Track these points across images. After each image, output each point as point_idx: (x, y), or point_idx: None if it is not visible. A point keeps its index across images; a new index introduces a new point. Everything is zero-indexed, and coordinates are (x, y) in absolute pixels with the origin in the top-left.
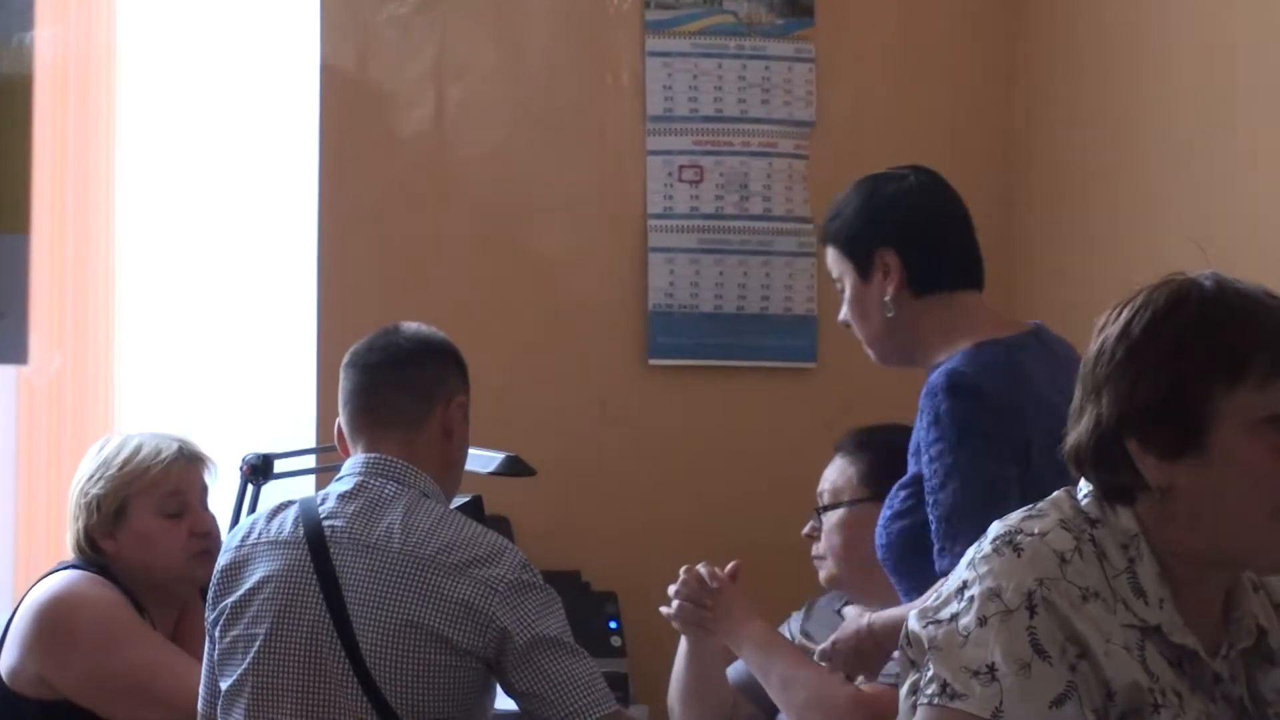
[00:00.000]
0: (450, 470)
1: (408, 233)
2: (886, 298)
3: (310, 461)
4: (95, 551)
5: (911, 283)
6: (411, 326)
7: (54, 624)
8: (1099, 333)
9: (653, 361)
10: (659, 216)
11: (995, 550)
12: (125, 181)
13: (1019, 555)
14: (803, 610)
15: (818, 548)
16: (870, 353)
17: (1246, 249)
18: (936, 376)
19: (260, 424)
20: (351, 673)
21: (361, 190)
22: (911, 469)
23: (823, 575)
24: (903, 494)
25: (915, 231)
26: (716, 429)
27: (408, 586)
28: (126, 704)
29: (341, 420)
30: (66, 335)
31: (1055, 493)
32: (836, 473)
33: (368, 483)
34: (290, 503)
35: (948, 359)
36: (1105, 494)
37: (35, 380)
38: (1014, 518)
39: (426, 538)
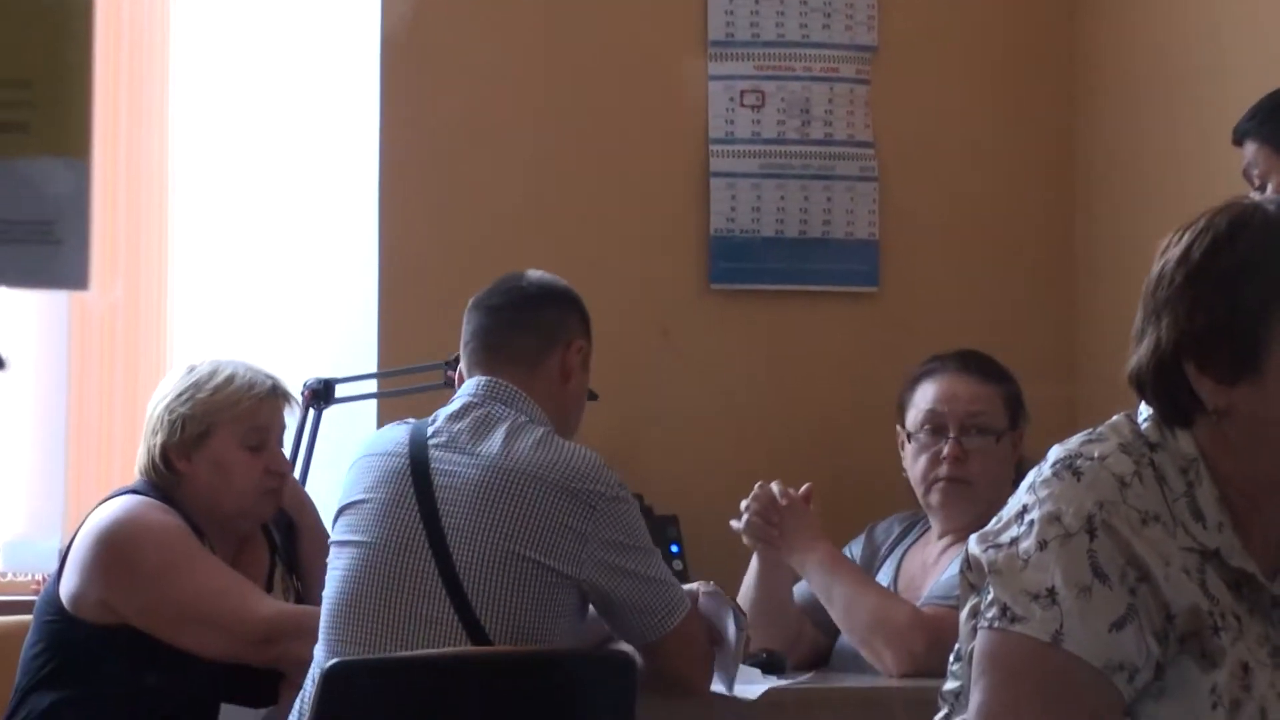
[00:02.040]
0: (563, 413)
1: (468, 157)
2: None
3: (372, 386)
4: (168, 469)
5: None
6: (535, 273)
7: (117, 550)
8: (1160, 256)
9: (715, 286)
10: (720, 142)
11: (1055, 474)
12: (179, 107)
13: (1079, 479)
14: (863, 536)
15: (959, 470)
16: None
17: None
18: None
19: (321, 349)
20: (443, 589)
21: (423, 117)
22: None
23: (947, 499)
24: None
25: None
26: (778, 353)
27: (505, 505)
28: (189, 630)
29: (461, 361)
30: (120, 263)
31: (1115, 417)
32: (988, 400)
33: (477, 404)
34: (406, 421)
35: None
36: (1164, 417)
37: (92, 308)
38: (1073, 442)
39: (523, 456)
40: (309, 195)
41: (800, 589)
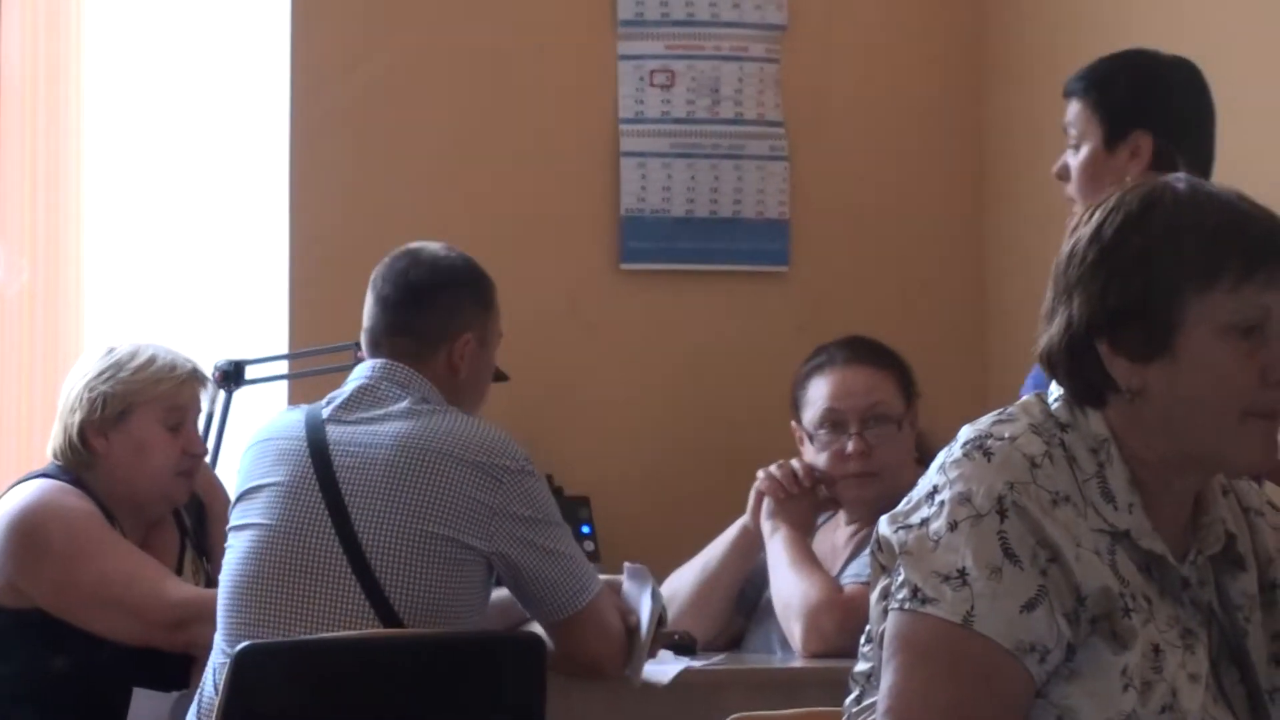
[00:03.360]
0: (457, 398)
1: (379, 136)
2: (1129, 179)
3: (283, 367)
4: (84, 448)
5: (1155, 169)
6: (429, 254)
7: (26, 534)
8: (1071, 234)
9: (625, 266)
10: (630, 121)
11: (965, 455)
12: (91, 88)
13: (989, 460)
14: None
15: (866, 464)
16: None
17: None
18: None
19: (232, 330)
20: (350, 570)
21: (333, 94)
22: None
23: (863, 494)
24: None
25: (1181, 128)
26: (689, 333)
27: (411, 482)
28: (98, 613)
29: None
30: (37, 248)
31: (1025, 397)
32: (884, 388)
33: (372, 385)
34: (300, 406)
35: None
36: (1075, 397)
37: (3, 292)
38: (984, 422)
39: (428, 433)
40: (220, 176)
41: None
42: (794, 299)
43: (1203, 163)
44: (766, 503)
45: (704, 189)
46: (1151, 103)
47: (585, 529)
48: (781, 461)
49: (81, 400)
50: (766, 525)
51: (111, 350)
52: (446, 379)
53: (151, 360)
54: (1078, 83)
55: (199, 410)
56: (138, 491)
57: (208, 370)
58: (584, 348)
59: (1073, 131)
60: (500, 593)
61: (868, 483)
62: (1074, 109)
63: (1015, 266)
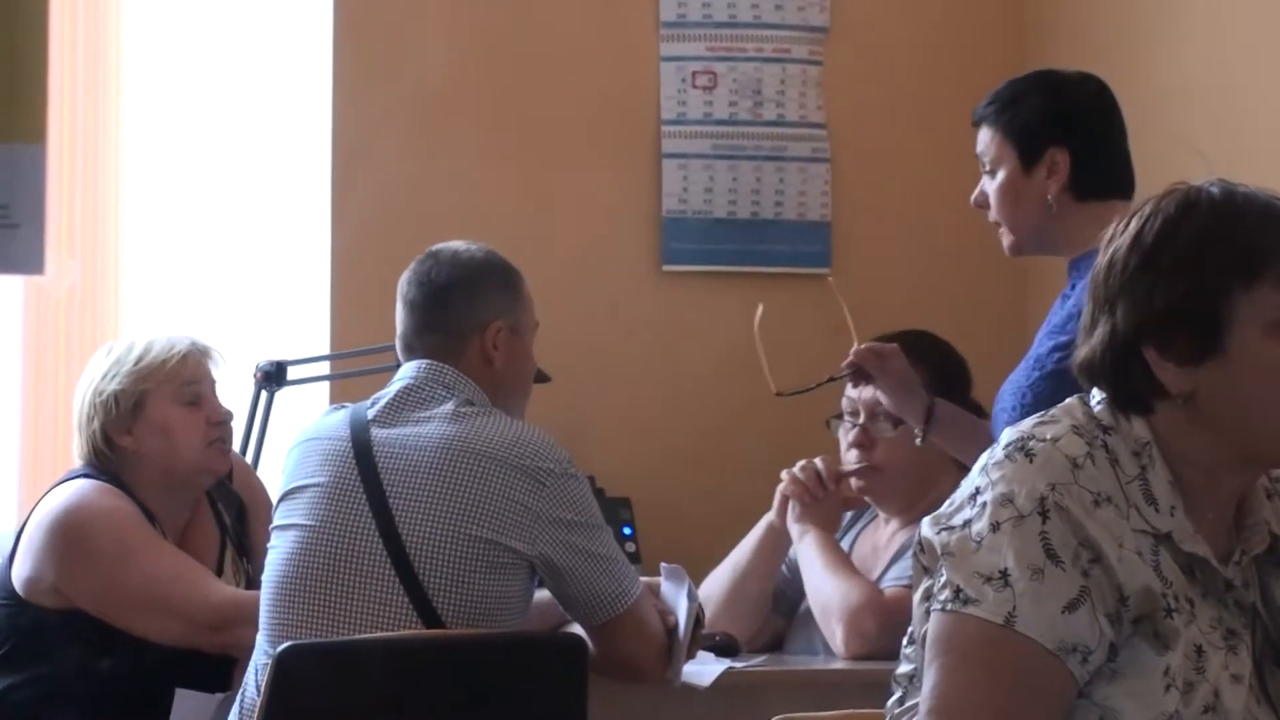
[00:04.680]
0: (502, 393)
1: (421, 137)
2: (1049, 195)
3: (325, 368)
4: (112, 451)
5: (1074, 186)
6: (449, 251)
7: (70, 536)
8: (1108, 245)
9: (666, 268)
10: (672, 123)
11: (1008, 456)
12: (132, 89)
13: (1031, 461)
14: None
15: (865, 456)
16: (1007, 239)
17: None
18: None
19: (274, 331)
20: (393, 571)
21: (376, 95)
22: (1067, 333)
23: (861, 484)
24: (1058, 354)
25: (1094, 140)
26: (730, 335)
27: (455, 484)
28: (142, 615)
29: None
30: (76, 246)
31: (1068, 399)
32: None
33: (417, 386)
34: (344, 406)
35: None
36: (1121, 405)
37: (49, 291)
38: (1026, 424)
39: (471, 436)
40: (262, 176)
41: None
42: (836, 301)
43: (1122, 174)
44: (792, 505)
45: (745, 190)
46: (1062, 118)
47: (627, 530)
48: (805, 462)
49: (95, 407)
50: (795, 529)
51: (109, 350)
52: (484, 371)
53: (149, 347)
54: (986, 109)
55: (212, 381)
56: (176, 474)
57: (249, 370)
58: (625, 349)
59: (986, 159)
60: (541, 594)
61: (869, 477)
62: (985, 136)
63: (1059, 270)
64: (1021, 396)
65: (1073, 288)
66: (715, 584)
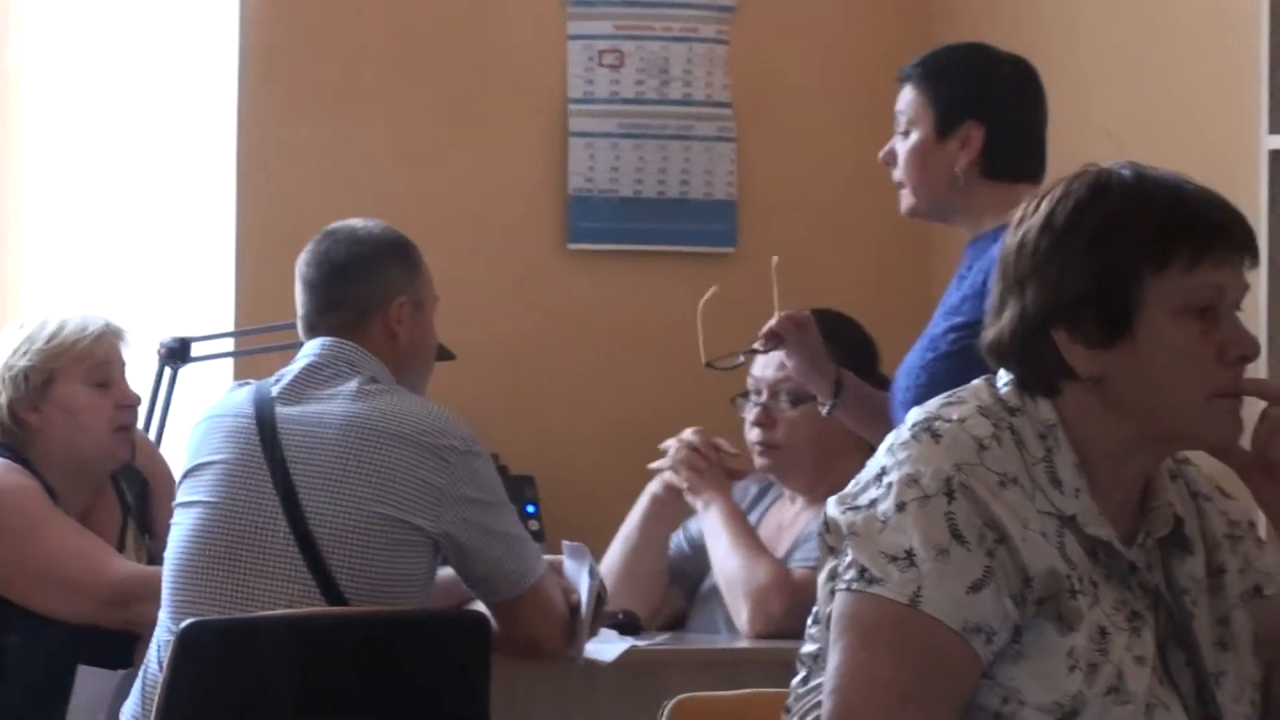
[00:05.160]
0: (406, 369)
1: (326, 115)
2: (957, 168)
3: (229, 345)
4: (18, 427)
5: (984, 164)
6: (346, 229)
7: None
8: (1018, 225)
9: (572, 246)
10: (579, 101)
11: (914, 436)
12: (32, 58)
13: (937, 441)
14: None
15: (766, 435)
16: (907, 200)
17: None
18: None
19: (177, 307)
20: (297, 548)
21: (282, 73)
22: (962, 314)
23: (763, 463)
24: (953, 335)
25: (1013, 122)
26: (636, 314)
27: (360, 461)
28: (42, 591)
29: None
30: None
31: (975, 381)
32: None
33: (322, 364)
34: (249, 382)
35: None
36: (1029, 387)
37: None
38: (933, 404)
39: (376, 413)
40: (166, 151)
41: (675, 542)
42: (741, 280)
43: (1033, 159)
44: (686, 476)
45: (652, 169)
46: (985, 95)
47: (530, 508)
48: (690, 431)
49: (4, 381)
50: (698, 501)
51: (21, 325)
52: (388, 348)
53: (62, 326)
54: (914, 69)
55: (123, 364)
56: (80, 456)
57: (153, 346)
58: (531, 327)
59: (903, 118)
60: (445, 572)
61: (771, 456)
62: (907, 95)
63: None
64: (916, 378)
65: (969, 269)
66: (608, 562)
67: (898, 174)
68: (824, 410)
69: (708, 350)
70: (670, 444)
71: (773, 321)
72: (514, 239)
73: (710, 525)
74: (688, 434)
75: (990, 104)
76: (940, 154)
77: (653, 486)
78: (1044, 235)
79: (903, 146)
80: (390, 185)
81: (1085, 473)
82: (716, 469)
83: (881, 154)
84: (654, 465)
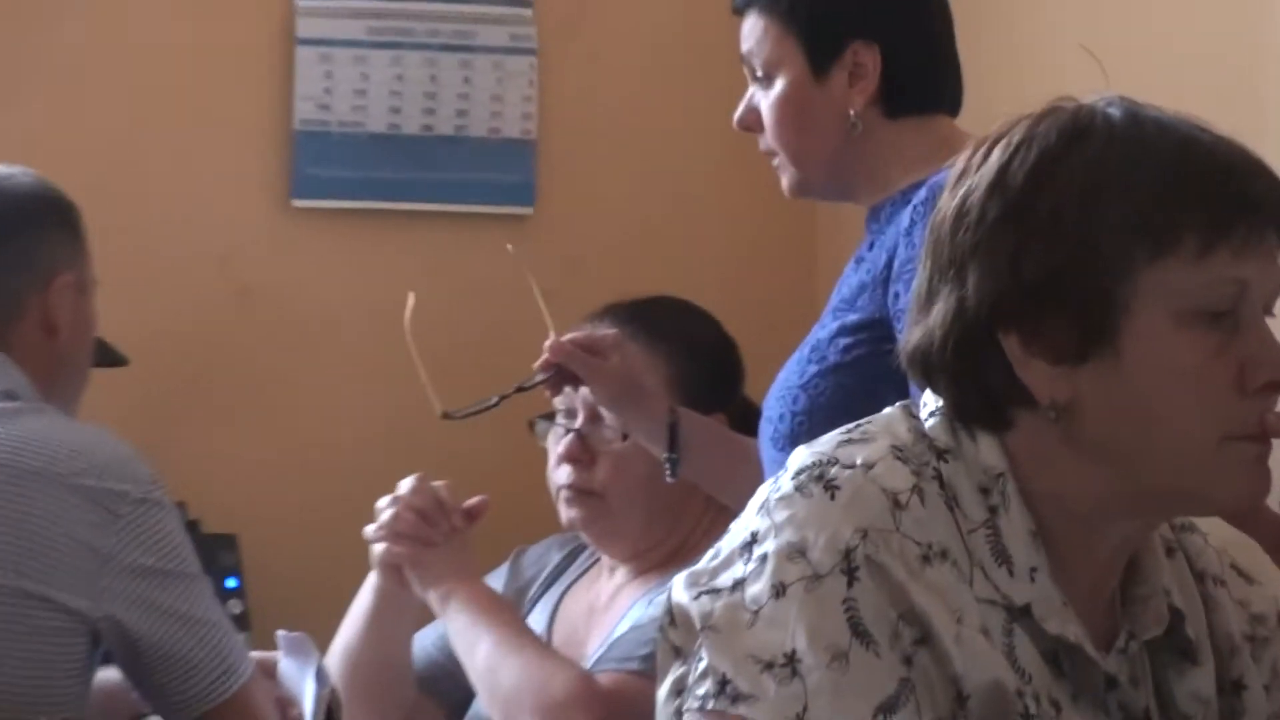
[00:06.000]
0: (59, 379)
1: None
2: (852, 110)
3: None
4: None
5: (888, 96)
6: None
7: None
8: (956, 182)
9: (298, 203)
10: None
11: (799, 489)
12: None
13: (833, 497)
14: (505, 566)
15: (581, 477)
16: (788, 175)
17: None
18: (926, 191)
19: None
20: None
21: None
22: (859, 310)
23: (575, 515)
24: (846, 340)
25: (911, 29)
26: (389, 299)
27: None
28: None
29: None
30: None
31: (888, 409)
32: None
33: None
34: None
35: (925, 177)
36: (964, 416)
37: None
38: (825, 443)
39: (15, 444)
40: None
41: (421, 645)
42: (542, 254)
43: (949, 80)
44: (407, 555)
45: (415, 95)
46: (866, 1)
47: (231, 582)
48: (413, 482)
49: None
50: (430, 597)
51: None
52: (40, 347)
53: None
54: None
55: None
56: None
57: None
58: (237, 321)
59: (756, 60)
60: (107, 674)
61: (586, 505)
62: (754, 28)
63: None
64: (792, 401)
65: (870, 247)
66: (331, 664)
67: (766, 142)
68: (665, 473)
69: (444, 391)
70: (385, 503)
71: (547, 351)
72: (214, 194)
73: (457, 625)
74: (405, 486)
75: (877, 12)
76: (822, 98)
77: (372, 578)
78: (993, 197)
79: (766, 100)
80: (63, 115)
81: (1044, 544)
82: (458, 539)
83: (737, 117)
84: (368, 534)
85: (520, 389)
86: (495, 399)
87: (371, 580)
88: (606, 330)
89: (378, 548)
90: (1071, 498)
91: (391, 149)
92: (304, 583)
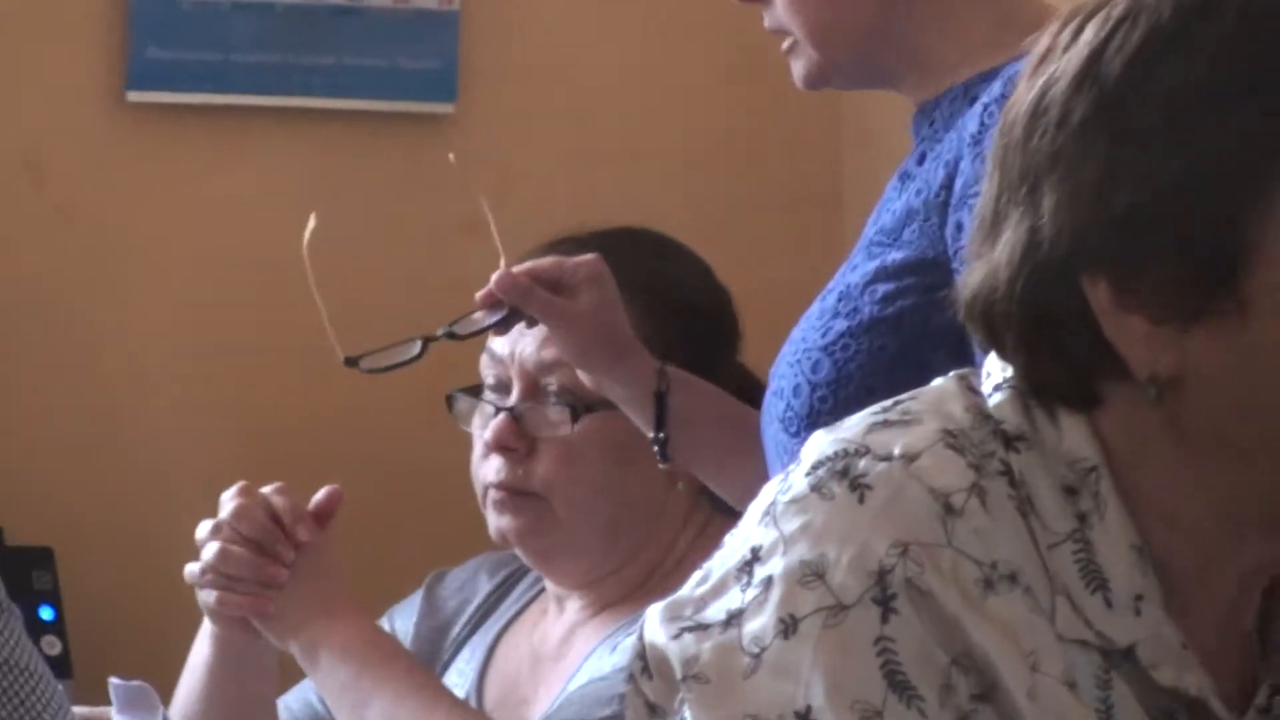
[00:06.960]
0: None
1: None
2: None
3: None
4: None
5: None
6: None
7: None
8: (1036, 68)
9: (134, 96)
10: None
11: (816, 488)
12: None
13: (862, 499)
14: (419, 595)
15: (515, 472)
16: (804, 59)
17: None
18: (1000, 84)
19: None
20: None
21: None
22: (904, 246)
23: (507, 525)
24: (884, 288)
25: None
26: (263, 230)
27: None
28: None
29: None
30: None
31: (939, 380)
32: None
33: None
34: None
35: (998, 64)
36: (1040, 391)
37: None
38: (855, 425)
39: None
40: None
41: (295, 701)
42: (464, 163)
43: None
44: (246, 603)
45: None
46: None
47: (46, 611)
48: (238, 496)
49: None
50: (292, 646)
51: None
52: None
53: None
54: None
55: None
56: None
57: None
58: (54, 254)
59: None
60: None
61: (516, 511)
62: None
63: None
64: (811, 368)
65: (920, 160)
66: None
67: (775, 17)
68: (658, 461)
69: (347, 333)
70: (204, 533)
71: (493, 282)
72: (20, 85)
73: (333, 684)
74: (226, 507)
75: None
76: None
77: (207, 626)
78: (1081, 91)
79: None
80: None
81: (1152, 564)
82: (311, 559)
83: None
84: (190, 577)
85: (451, 335)
86: (418, 346)
87: (206, 631)
88: (582, 259)
89: (206, 595)
90: (1184, 503)
91: (261, 23)
92: (142, 611)
